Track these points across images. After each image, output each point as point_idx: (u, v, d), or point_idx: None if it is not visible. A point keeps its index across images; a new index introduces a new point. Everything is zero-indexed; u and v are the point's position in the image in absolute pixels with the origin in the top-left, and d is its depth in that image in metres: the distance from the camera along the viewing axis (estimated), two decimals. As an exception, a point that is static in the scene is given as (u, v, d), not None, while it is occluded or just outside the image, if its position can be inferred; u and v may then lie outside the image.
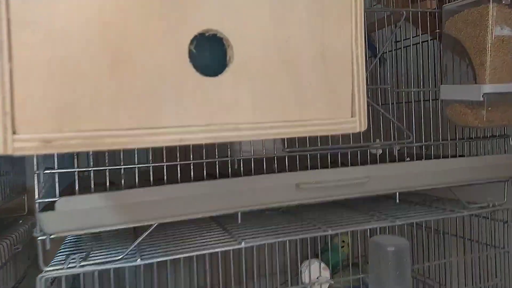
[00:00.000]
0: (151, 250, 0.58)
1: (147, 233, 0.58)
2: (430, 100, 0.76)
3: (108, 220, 0.53)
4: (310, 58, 0.33)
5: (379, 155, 0.72)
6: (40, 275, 0.51)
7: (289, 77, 0.32)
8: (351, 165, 0.68)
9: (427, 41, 0.78)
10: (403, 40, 0.77)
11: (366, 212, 0.76)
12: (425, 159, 0.73)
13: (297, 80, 0.32)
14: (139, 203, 0.52)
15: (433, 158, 0.73)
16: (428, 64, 0.75)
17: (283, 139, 0.68)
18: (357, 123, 0.35)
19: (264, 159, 0.64)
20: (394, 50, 0.78)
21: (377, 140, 0.71)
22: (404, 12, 0.72)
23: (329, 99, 0.33)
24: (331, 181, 0.62)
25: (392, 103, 0.72)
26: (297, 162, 0.66)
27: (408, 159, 0.73)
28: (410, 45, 0.76)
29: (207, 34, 0.30)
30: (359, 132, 0.52)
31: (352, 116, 0.34)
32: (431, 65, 0.76)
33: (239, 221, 0.61)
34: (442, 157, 0.74)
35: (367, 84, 0.71)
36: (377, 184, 0.67)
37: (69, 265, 0.53)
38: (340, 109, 0.34)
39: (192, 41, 0.30)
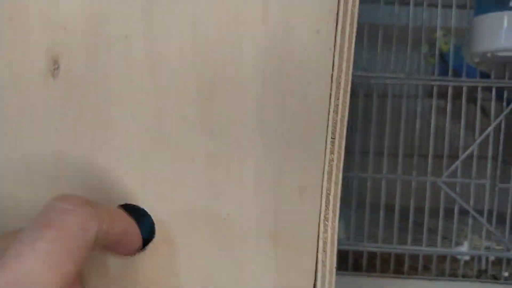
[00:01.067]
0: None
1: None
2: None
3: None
4: (255, 242, 0.26)
5: (465, 262, 0.58)
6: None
7: (224, 261, 0.26)
8: (421, 273, 0.56)
9: None
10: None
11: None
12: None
13: (234, 266, 0.26)
14: None
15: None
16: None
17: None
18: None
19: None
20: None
21: (465, 244, 0.57)
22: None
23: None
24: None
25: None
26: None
27: (506, 274, 0.57)
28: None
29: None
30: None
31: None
32: None
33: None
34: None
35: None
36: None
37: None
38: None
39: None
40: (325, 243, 0.26)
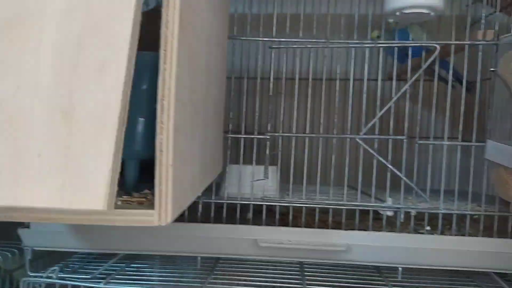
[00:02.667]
0: (121, 277, 0.59)
1: (112, 261, 0.63)
2: (473, 156, 0.60)
3: (72, 244, 0.59)
4: (44, 118, 0.26)
5: (387, 217, 0.60)
6: (24, 279, 0.59)
7: (6, 142, 0.25)
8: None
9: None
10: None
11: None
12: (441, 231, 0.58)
13: (17, 147, 0.25)
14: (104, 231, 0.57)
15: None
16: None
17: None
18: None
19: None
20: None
21: (389, 200, 0.60)
22: (453, 46, 0.58)
23: (68, 177, 0.25)
24: (296, 243, 0.55)
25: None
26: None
27: (428, 228, 0.59)
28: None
29: None
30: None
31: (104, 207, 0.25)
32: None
33: (199, 266, 0.60)
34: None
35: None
36: (360, 255, 0.56)
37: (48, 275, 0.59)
38: (87, 193, 0.25)
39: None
40: (161, 143, 0.30)
